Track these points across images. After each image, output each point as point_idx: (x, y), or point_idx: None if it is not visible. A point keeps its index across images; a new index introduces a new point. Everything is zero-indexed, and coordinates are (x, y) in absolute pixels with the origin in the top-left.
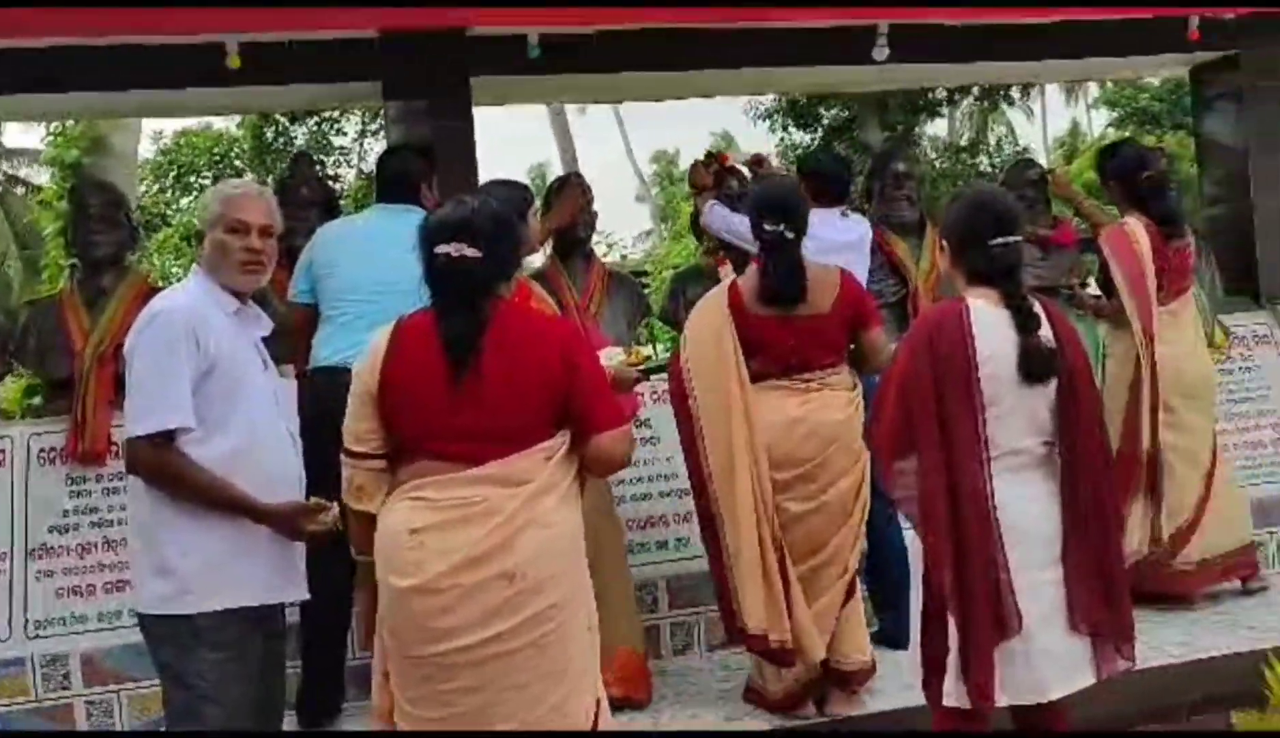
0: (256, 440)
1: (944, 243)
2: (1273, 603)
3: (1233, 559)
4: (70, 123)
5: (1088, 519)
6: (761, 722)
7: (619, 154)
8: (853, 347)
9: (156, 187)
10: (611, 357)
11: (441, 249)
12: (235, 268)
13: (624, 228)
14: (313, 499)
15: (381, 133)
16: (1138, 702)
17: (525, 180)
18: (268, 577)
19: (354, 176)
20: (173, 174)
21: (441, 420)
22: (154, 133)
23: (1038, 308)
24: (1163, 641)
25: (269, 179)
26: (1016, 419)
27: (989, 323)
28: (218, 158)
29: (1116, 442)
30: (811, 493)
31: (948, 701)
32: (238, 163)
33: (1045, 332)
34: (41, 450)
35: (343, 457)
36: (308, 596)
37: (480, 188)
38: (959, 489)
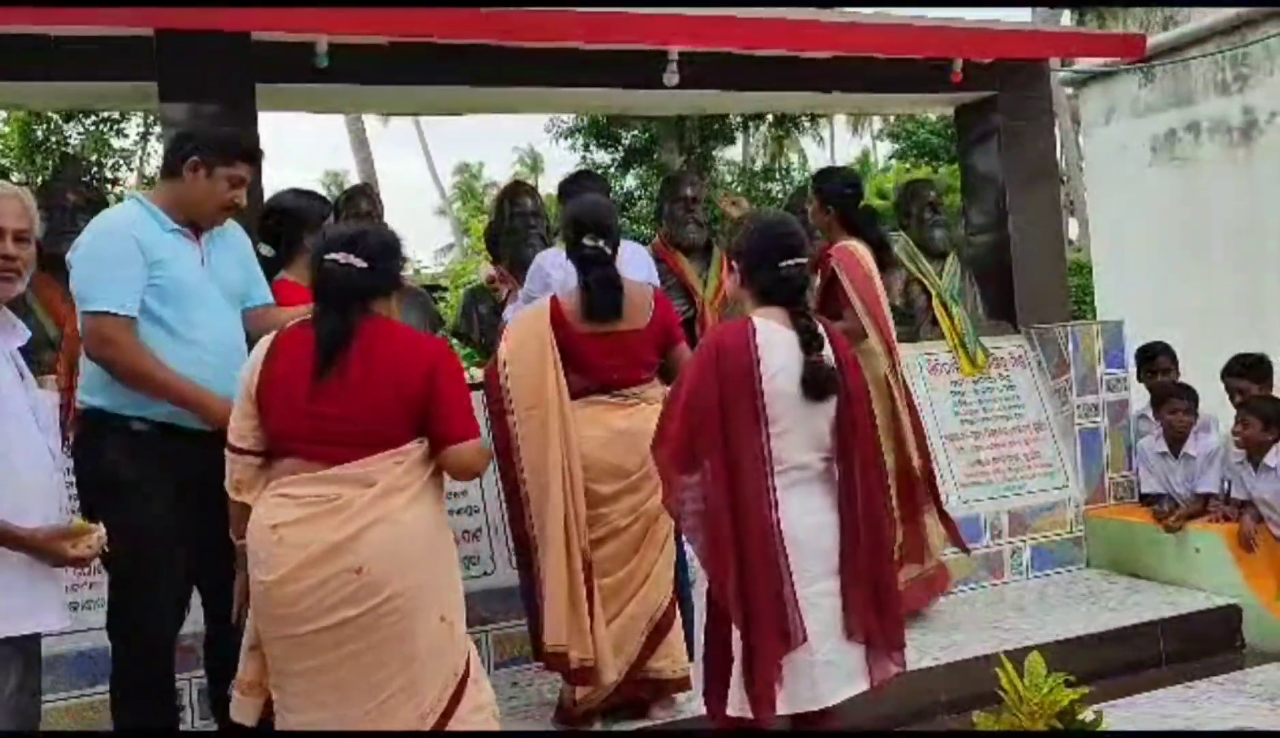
0: (12, 459)
1: (734, 263)
2: (1023, 606)
3: (932, 573)
4: None
5: (862, 532)
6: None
7: (421, 167)
8: (661, 361)
9: None
10: None
11: (330, 256)
12: None
13: (425, 241)
14: (75, 522)
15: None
16: (889, 706)
17: (320, 188)
18: (24, 606)
19: (135, 180)
20: None
21: (304, 423)
22: None
23: (821, 328)
24: (927, 645)
25: (38, 179)
26: (799, 435)
27: (775, 342)
28: None
29: (892, 460)
30: (635, 505)
31: (731, 710)
32: (3, 161)
33: (827, 351)
34: None
35: (226, 451)
36: (67, 623)
37: (275, 196)
38: (743, 504)
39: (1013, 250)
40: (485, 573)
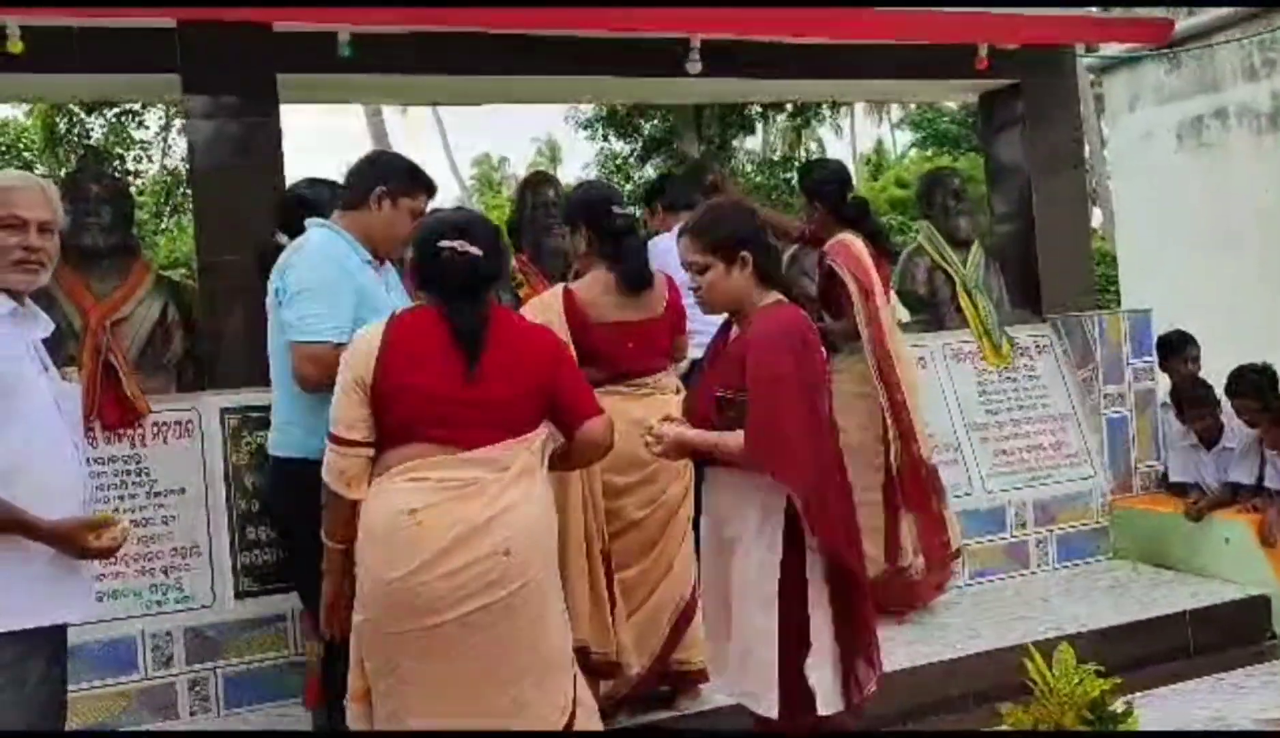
0: (35, 451)
1: (744, 255)
2: (1048, 597)
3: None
4: None
5: None
6: None
7: (439, 158)
8: None
9: None
10: None
11: (446, 244)
12: (9, 267)
13: None
14: (99, 513)
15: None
16: (914, 697)
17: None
18: (47, 596)
19: (156, 172)
20: None
21: (440, 408)
22: None
23: None
24: (952, 636)
25: (61, 172)
26: None
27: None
28: (3, 148)
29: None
30: (653, 495)
31: (825, 708)
32: (26, 154)
33: None
34: None
35: (330, 444)
36: (92, 615)
37: (291, 185)
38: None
39: (1037, 239)
40: None
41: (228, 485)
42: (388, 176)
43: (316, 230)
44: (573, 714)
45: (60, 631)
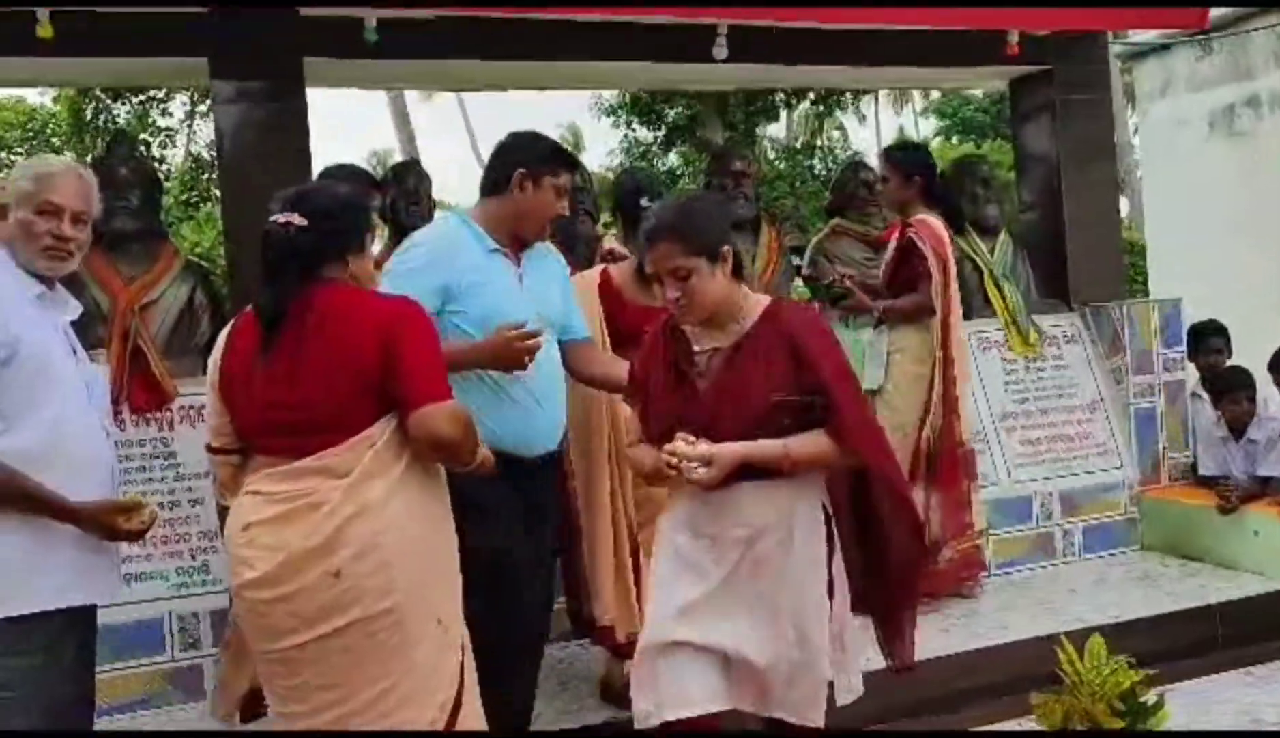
0: (64, 433)
1: (726, 251)
2: (1076, 588)
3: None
4: None
5: None
6: (599, 714)
7: (463, 145)
8: None
9: None
10: None
11: (272, 218)
12: (39, 253)
13: None
14: (127, 495)
15: (211, 113)
16: (943, 686)
17: (365, 166)
18: (77, 578)
19: (181, 159)
20: None
21: (261, 414)
22: None
23: None
24: (980, 626)
25: (88, 158)
26: None
27: None
28: (31, 134)
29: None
30: None
31: (843, 695)
32: (54, 140)
33: None
34: None
35: (206, 451)
36: (120, 596)
37: (321, 172)
38: None
39: (1066, 227)
40: None
41: None
42: (527, 158)
43: (440, 218)
44: (447, 726)
45: (90, 611)
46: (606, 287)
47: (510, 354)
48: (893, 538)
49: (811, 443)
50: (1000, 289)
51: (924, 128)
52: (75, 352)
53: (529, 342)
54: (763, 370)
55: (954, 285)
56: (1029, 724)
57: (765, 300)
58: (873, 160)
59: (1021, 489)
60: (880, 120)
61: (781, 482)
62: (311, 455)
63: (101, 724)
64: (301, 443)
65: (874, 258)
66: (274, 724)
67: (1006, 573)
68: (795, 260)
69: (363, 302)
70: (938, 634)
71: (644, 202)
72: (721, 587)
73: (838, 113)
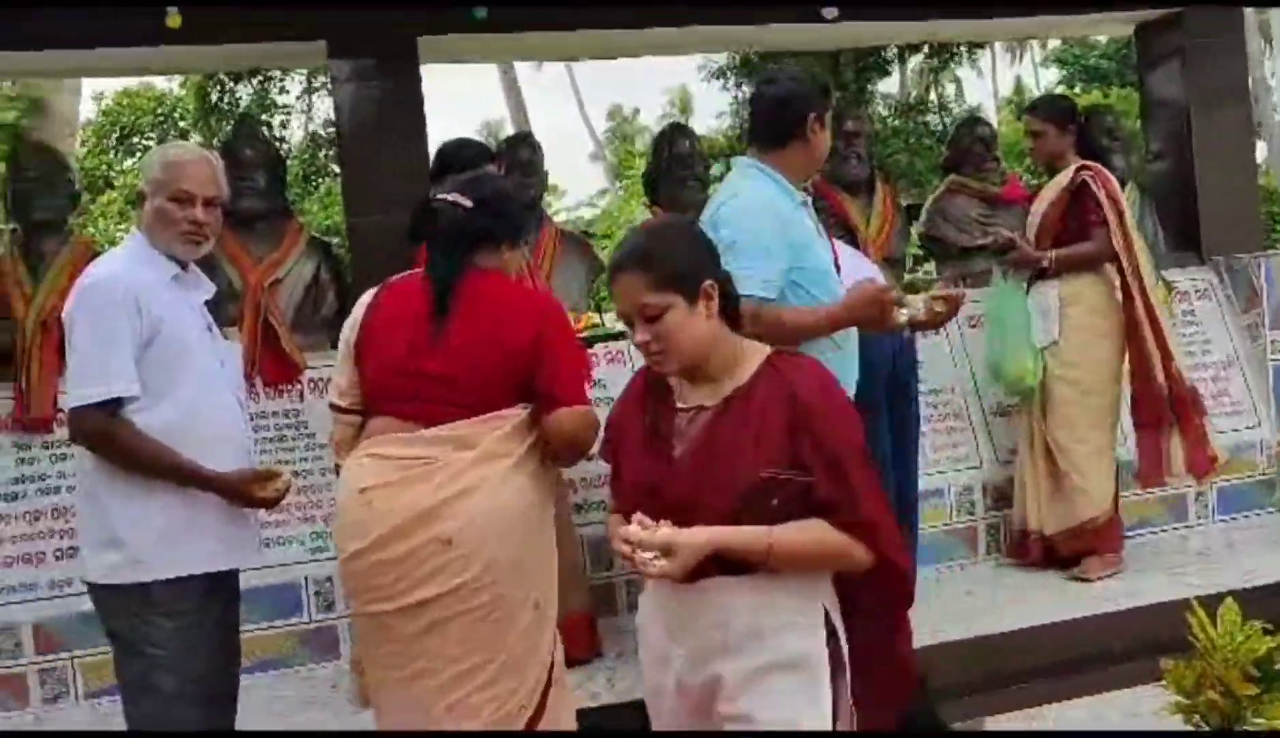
0: (202, 407)
1: (708, 287)
2: (1208, 551)
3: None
4: (8, 84)
5: None
6: None
7: (573, 113)
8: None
9: (99, 148)
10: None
11: (439, 197)
12: (176, 239)
13: (579, 187)
14: (263, 465)
15: (324, 91)
16: (1074, 649)
17: (479, 139)
18: (219, 544)
19: (300, 137)
20: (115, 135)
21: (401, 380)
22: (95, 93)
23: None
24: (1110, 589)
25: (214, 140)
26: None
27: None
28: (161, 118)
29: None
30: None
31: None
32: (182, 123)
33: None
34: None
35: (330, 409)
36: (259, 561)
37: (440, 146)
38: None
39: (1197, 177)
40: None
41: None
42: (811, 101)
43: (749, 178)
44: (534, 718)
45: (233, 575)
46: None
47: (881, 311)
48: (874, 676)
49: (805, 534)
50: None
51: (1044, 78)
52: (210, 330)
53: (887, 296)
54: (753, 437)
55: (1132, 230)
56: (1159, 691)
57: (765, 351)
58: (990, 114)
59: None
60: (997, 72)
61: (764, 581)
62: (445, 425)
63: (246, 682)
64: (436, 412)
65: (991, 215)
66: (371, 689)
67: (1138, 535)
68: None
69: (519, 291)
70: (1068, 600)
71: None
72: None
73: (952, 66)
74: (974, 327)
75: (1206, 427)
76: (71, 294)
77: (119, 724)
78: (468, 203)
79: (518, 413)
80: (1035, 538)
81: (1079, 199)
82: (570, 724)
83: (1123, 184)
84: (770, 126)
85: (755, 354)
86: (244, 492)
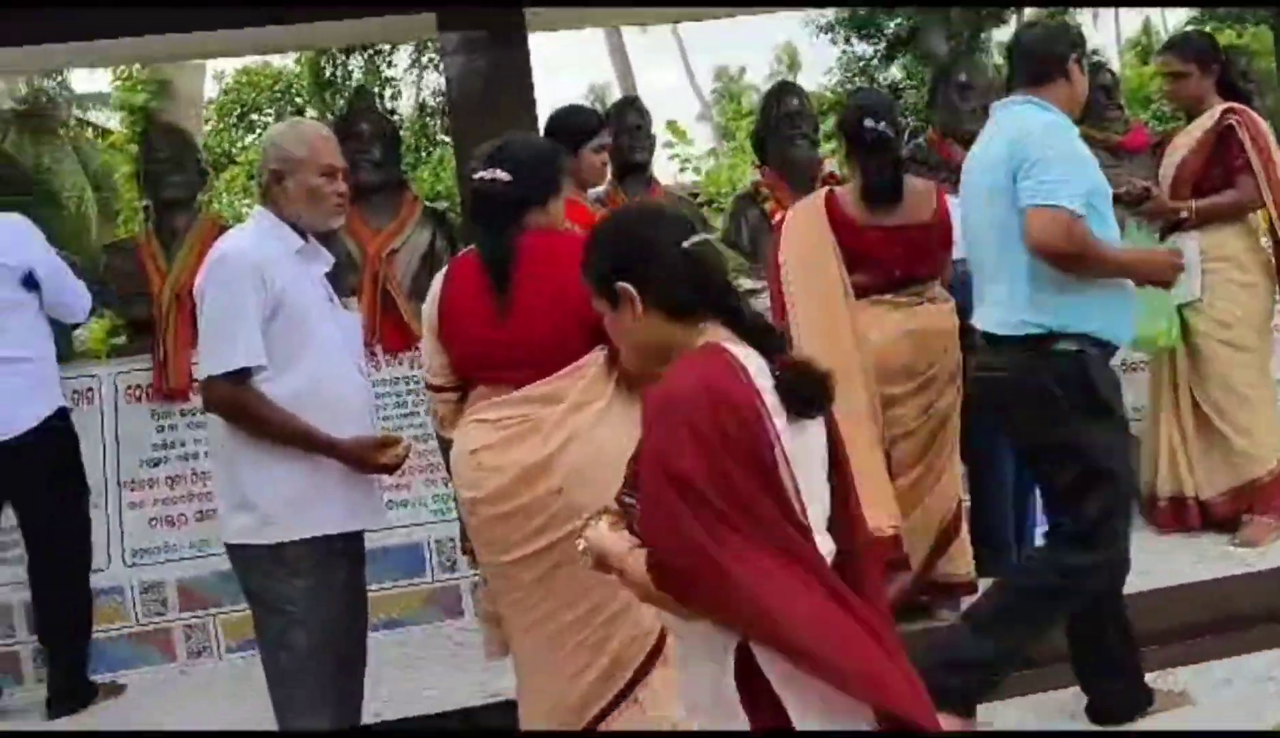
0: (324, 376)
1: (621, 288)
2: None
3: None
4: (137, 67)
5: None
6: None
7: (679, 74)
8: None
9: (221, 126)
10: None
11: (476, 175)
12: (330, 212)
13: (686, 148)
14: (382, 432)
15: (432, 64)
16: (1210, 611)
17: (585, 103)
18: (345, 506)
19: (410, 108)
20: (236, 113)
21: (482, 349)
22: (216, 73)
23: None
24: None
25: (329, 115)
26: (819, 507)
27: (762, 371)
28: (279, 95)
29: None
30: (925, 405)
31: None
32: (298, 99)
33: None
34: (128, 388)
35: (426, 390)
36: (383, 523)
37: (550, 114)
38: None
39: None
40: None
41: None
42: (1071, 42)
43: (1034, 107)
44: (662, 640)
45: (358, 538)
46: (834, 210)
47: (1168, 275)
48: None
49: (636, 566)
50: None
51: (1171, 19)
52: (331, 300)
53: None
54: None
55: None
56: None
57: (702, 343)
58: (1111, 60)
59: None
60: (1119, 16)
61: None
62: (530, 385)
63: (372, 640)
64: (521, 374)
65: (1115, 165)
66: (507, 636)
67: None
68: None
69: (573, 242)
70: (1199, 562)
71: (868, 122)
72: None
73: (1071, 11)
74: None
75: None
76: (202, 269)
77: (259, 679)
78: (506, 176)
79: (595, 358)
80: (1172, 502)
81: (1224, 144)
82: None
83: None
84: (1036, 65)
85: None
86: (365, 457)
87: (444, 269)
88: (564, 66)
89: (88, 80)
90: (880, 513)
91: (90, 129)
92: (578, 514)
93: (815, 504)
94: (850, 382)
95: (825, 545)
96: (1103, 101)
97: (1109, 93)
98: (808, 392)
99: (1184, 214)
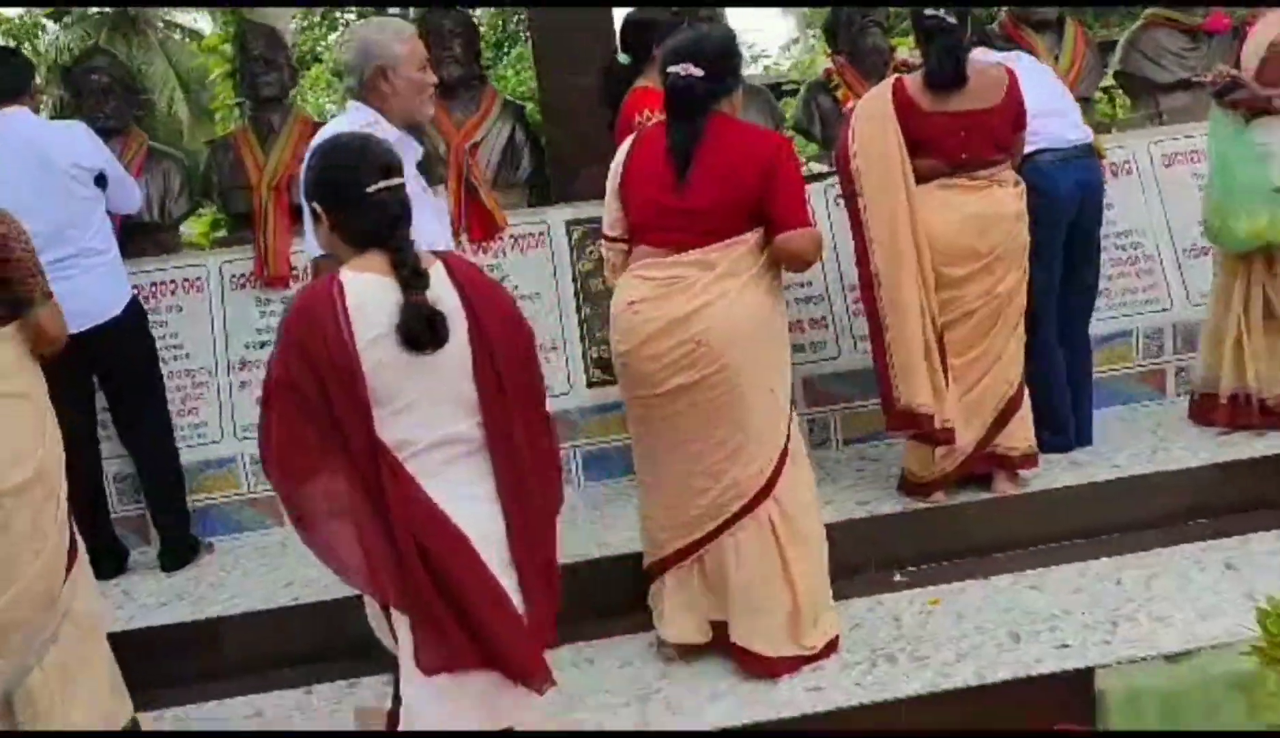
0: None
1: (315, 207)
2: None
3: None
4: None
5: (528, 517)
6: (896, 505)
7: None
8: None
9: (307, 25)
10: None
11: (672, 69)
12: (429, 102)
13: (770, 37)
14: None
15: None
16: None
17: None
18: None
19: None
20: (320, 11)
21: (659, 215)
22: None
23: (434, 266)
24: None
25: (410, 13)
26: (428, 407)
27: (373, 299)
28: None
29: None
30: (989, 287)
31: None
32: None
33: (440, 292)
34: (233, 276)
35: (602, 239)
36: None
37: (630, 12)
38: (392, 504)
39: None
40: (831, 358)
41: (575, 288)
42: None
43: None
44: (770, 482)
45: None
46: (901, 97)
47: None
48: None
49: None
50: None
51: None
52: (425, 190)
53: None
54: None
55: None
56: None
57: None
58: None
59: None
60: None
61: None
62: (693, 250)
63: None
64: (685, 240)
65: (1194, 48)
66: (646, 458)
67: None
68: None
69: (748, 135)
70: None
71: (929, 11)
72: None
73: None
74: (1168, 165)
75: None
76: (305, 160)
77: None
78: (698, 72)
79: (749, 236)
80: (1232, 400)
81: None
82: (806, 496)
83: None
84: None
85: None
86: None
87: (629, 140)
88: None
89: None
90: (918, 393)
91: (179, 31)
92: (715, 362)
93: (421, 406)
94: (903, 272)
95: (443, 431)
96: None
97: None
98: (415, 328)
99: (1278, 102)
